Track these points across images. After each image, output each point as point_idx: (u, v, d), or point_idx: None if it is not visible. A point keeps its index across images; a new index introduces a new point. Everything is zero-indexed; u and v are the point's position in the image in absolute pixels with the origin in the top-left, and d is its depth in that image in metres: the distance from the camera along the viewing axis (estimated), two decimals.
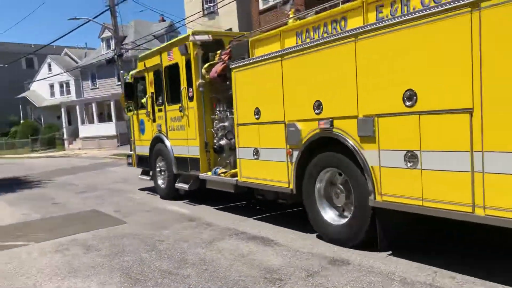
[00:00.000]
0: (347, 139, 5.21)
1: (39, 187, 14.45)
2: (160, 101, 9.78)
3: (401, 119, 4.58)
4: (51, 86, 46.67)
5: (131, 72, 11.45)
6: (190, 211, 8.41)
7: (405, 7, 4.74)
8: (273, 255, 5.40)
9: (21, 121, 47.91)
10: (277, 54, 6.18)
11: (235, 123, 7.25)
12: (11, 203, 11.40)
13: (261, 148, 6.68)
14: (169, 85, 9.32)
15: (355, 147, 5.11)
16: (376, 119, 4.84)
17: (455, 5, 3.99)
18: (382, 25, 4.68)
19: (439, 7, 4.14)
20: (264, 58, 6.45)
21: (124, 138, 31.05)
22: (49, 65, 46.69)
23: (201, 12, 28.92)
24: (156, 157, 10.13)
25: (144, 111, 10.43)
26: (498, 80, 3.77)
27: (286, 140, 6.13)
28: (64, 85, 45.72)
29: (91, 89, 40.40)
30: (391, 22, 4.59)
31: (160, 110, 9.77)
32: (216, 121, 8.14)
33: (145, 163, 10.74)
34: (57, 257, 6.02)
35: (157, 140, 9.93)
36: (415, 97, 4.43)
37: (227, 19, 30.02)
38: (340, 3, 5.66)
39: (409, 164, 4.54)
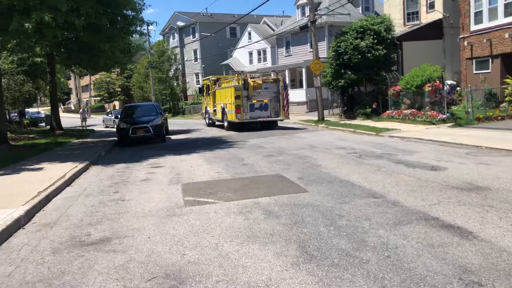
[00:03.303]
0: (225, 108, 23.76)
1: (233, 147, 15.51)
2: (205, 94, 29.43)
3: (228, 105, 23.08)
4: (250, 53, 49.82)
5: (202, 83, 32.49)
6: (372, 185, 7.84)
7: (231, 82, 23.63)
8: (471, 252, 4.55)
9: None
10: (218, 87, 25.99)
11: (217, 104, 26.35)
12: (208, 161, 12.45)
13: (218, 110, 25.96)
14: (207, 89, 28.97)
15: (226, 109, 23.61)
16: (226, 104, 23.55)
17: (232, 85, 22.69)
18: (227, 87, 23.90)
19: (231, 85, 22.95)
20: (219, 86, 25.91)
21: (313, 104, 31.45)
22: (249, 34, 49.74)
23: None
24: (205, 113, 30.62)
25: (204, 97, 30.70)
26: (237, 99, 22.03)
27: (221, 109, 24.93)
28: (262, 52, 48.31)
29: (285, 56, 41.78)
30: (228, 84, 23.99)
31: (206, 97, 29.50)
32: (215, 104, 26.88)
33: (205, 116, 31.02)
34: (240, 219, 6.19)
35: (206, 108, 30.20)
36: (229, 101, 23.09)
37: None
38: (235, 76, 23.25)
39: (231, 112, 22.81)
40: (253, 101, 22.32)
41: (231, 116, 22.77)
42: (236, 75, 23.03)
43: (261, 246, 5.06)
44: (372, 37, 23.47)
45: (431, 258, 4.46)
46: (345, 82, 24.62)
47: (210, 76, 28.56)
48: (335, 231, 5.46)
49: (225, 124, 24.30)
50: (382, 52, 23.39)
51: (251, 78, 22.91)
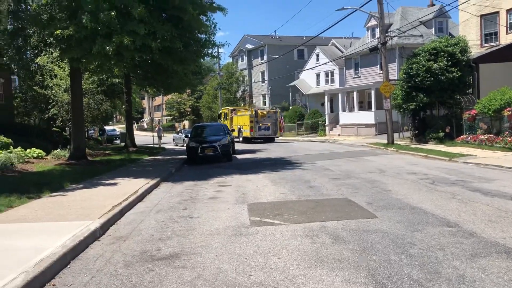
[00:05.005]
0: (241, 128, 37.32)
1: (299, 169, 15.44)
2: (223, 119, 39.75)
3: (244, 126, 36.74)
4: (317, 75, 49.79)
5: (220, 112, 44.82)
6: (446, 214, 7.46)
7: (247, 111, 39.21)
8: None
9: (290, 107, 52.85)
10: (235, 114, 39.22)
11: (234, 125, 37.29)
12: (274, 181, 12.47)
13: (235, 130, 35.50)
14: (225, 115, 40.62)
15: (242, 129, 37.25)
16: (242, 126, 37.20)
17: (248, 113, 36.71)
18: (242, 115, 38.28)
19: (247, 112, 37.67)
20: (235, 114, 39.37)
21: (382, 127, 30.71)
22: (317, 56, 49.82)
23: None
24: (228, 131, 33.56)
25: (222, 121, 38.96)
26: (251, 123, 36.01)
27: (237, 129, 37.23)
28: (329, 74, 48.14)
29: (354, 78, 41.33)
30: (242, 113, 38.48)
31: (224, 121, 38.32)
32: (232, 126, 36.89)
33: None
34: (307, 243, 6.11)
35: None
36: (245, 124, 36.71)
37: None
38: (248, 107, 45.19)
39: (246, 131, 36.46)
40: (260, 124, 35.80)
41: (246, 133, 36.36)
42: (248, 106, 44.59)
43: (329, 271, 4.96)
44: (446, 59, 22.64)
45: None
46: (417, 105, 23.84)
47: (228, 107, 43.57)
48: (407, 259, 5.24)
49: (241, 139, 37.08)
50: (457, 75, 22.47)
51: (259, 110, 38.93)
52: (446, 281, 4.54)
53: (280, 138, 38.97)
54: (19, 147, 18.51)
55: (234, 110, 40.55)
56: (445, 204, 8.30)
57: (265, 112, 37.26)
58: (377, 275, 4.78)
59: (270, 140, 36.51)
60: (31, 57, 23.21)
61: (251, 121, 35.47)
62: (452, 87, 22.94)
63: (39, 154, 19.60)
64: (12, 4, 15.32)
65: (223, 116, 41.50)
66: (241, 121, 37.49)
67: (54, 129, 29.19)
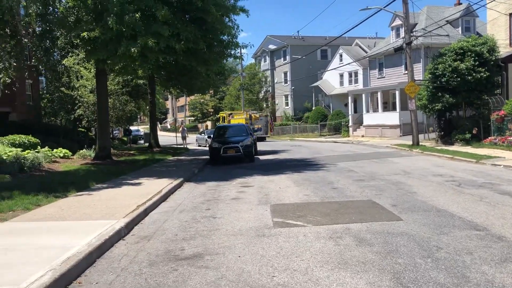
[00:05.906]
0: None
1: (322, 170, 15.33)
2: (221, 122, 43.92)
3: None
4: (341, 75, 49.40)
5: (218, 115, 52.56)
6: (473, 217, 7.29)
7: (243, 114, 43.98)
8: None
9: (313, 108, 52.57)
10: (232, 118, 43.79)
11: None
12: (296, 182, 12.42)
13: None
14: (223, 119, 45.61)
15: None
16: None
17: (243, 117, 42.40)
18: (238, 118, 42.66)
19: (243, 116, 43.13)
20: (232, 117, 43.85)
21: (406, 128, 30.29)
22: (341, 56, 49.44)
23: None
24: None
25: (220, 124, 41.94)
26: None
27: None
28: (353, 74, 47.72)
29: (378, 78, 40.86)
30: (239, 117, 43.11)
31: (222, 124, 41.52)
32: None
33: None
34: (330, 245, 6.05)
35: None
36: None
37: None
38: (243, 112, 46.59)
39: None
40: (254, 126, 39.82)
41: None
42: (243, 111, 46.88)
43: (353, 274, 4.90)
44: (473, 58, 22.17)
45: None
46: (442, 106, 23.41)
47: (226, 111, 50.39)
48: (433, 263, 5.14)
49: None
50: (484, 75, 21.97)
51: (253, 113, 44.35)
52: (474, 286, 4.43)
53: (288, 140, 43.66)
54: (46, 146, 18.94)
55: (231, 114, 45.98)
56: (472, 207, 8.12)
57: (257, 116, 44.05)
58: (402, 279, 4.70)
59: (262, 139, 41.61)
60: (58, 59, 23.69)
61: (246, 123, 41.38)
62: (480, 88, 22.46)
63: (66, 154, 19.99)
64: (40, 7, 15.67)
65: (221, 120, 46.54)
66: None
67: (80, 129, 29.74)
